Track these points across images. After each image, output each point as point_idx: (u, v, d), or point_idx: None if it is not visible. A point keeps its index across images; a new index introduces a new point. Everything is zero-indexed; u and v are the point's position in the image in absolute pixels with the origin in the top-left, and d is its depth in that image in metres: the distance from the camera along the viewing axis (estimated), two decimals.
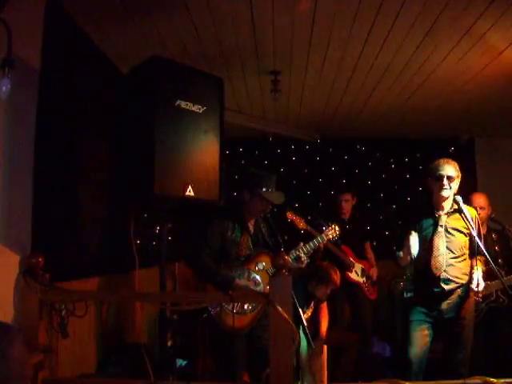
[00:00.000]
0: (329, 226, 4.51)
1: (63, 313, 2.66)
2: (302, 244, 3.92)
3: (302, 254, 3.82)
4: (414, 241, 3.61)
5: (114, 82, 3.75)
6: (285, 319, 2.18)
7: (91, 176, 3.44)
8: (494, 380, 1.82)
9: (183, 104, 3.03)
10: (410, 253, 3.62)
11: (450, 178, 3.66)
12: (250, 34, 3.65)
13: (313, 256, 4.32)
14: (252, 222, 3.74)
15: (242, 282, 3.46)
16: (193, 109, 3.08)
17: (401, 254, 3.76)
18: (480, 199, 4.65)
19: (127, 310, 4.00)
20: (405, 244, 3.68)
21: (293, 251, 3.84)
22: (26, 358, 1.51)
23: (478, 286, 3.54)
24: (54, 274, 2.64)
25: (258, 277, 3.57)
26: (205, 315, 3.46)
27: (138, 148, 3.00)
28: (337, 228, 4.48)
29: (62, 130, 3.04)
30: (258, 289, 3.52)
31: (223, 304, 3.34)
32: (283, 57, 4.12)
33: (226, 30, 3.61)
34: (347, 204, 5.53)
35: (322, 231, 4.46)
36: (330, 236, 4.46)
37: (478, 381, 1.90)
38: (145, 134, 2.94)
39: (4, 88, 2.24)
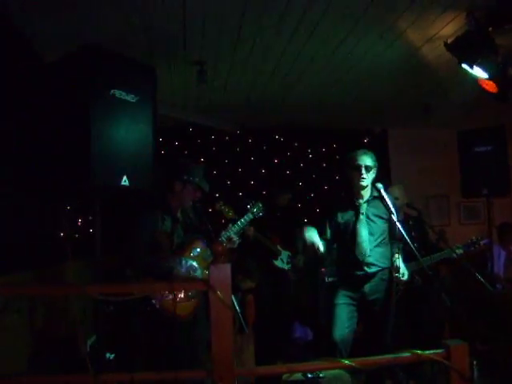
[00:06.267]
0: (253, 204, 4.55)
1: None
2: (230, 225, 3.96)
3: (233, 234, 3.86)
4: (311, 235, 3.76)
5: (39, 71, 3.57)
6: (225, 305, 2.20)
7: (16, 170, 3.29)
8: (422, 352, 1.96)
9: (118, 93, 2.99)
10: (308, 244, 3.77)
11: (367, 168, 3.84)
12: (180, 22, 3.64)
13: (243, 235, 4.37)
14: (179, 210, 3.74)
15: (181, 269, 3.44)
16: (127, 98, 3.05)
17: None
18: (394, 190, 4.91)
19: (59, 305, 3.87)
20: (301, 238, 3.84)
21: (223, 233, 3.87)
22: None
23: (403, 275, 3.78)
24: None
25: (194, 263, 3.56)
26: (148, 308, 3.38)
27: (72, 138, 2.90)
28: (260, 204, 4.51)
29: None
30: (196, 274, 3.53)
31: (166, 294, 3.29)
32: (211, 47, 4.13)
33: (156, 17, 3.57)
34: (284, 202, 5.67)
35: (247, 210, 4.50)
36: (256, 212, 4.50)
37: (408, 354, 2.02)
38: (79, 123, 2.85)
39: None
